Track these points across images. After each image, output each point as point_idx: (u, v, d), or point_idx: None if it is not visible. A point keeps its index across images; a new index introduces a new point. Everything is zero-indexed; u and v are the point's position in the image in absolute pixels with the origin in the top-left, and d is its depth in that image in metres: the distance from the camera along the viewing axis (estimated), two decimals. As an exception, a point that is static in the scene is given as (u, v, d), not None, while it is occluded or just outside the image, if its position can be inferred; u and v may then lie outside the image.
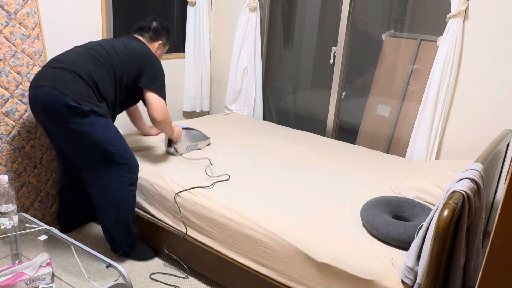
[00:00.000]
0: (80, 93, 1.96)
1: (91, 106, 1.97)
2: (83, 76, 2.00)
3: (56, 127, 2.00)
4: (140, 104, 2.54)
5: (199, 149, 2.64)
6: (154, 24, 2.35)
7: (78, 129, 1.95)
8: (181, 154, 2.52)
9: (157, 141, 2.72)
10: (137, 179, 2.19)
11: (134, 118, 2.73)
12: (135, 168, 2.15)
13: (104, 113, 2.04)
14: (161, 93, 2.18)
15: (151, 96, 2.15)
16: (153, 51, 2.34)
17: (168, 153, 2.54)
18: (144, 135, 2.79)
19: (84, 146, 2.00)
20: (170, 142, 2.49)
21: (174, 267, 2.29)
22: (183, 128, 2.57)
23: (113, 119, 2.26)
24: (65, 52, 2.12)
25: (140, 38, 2.33)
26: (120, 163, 2.07)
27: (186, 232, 2.13)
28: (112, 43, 2.18)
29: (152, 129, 2.79)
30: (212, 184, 2.17)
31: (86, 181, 2.16)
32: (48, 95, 1.93)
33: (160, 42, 2.37)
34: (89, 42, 2.19)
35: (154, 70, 2.19)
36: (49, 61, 2.08)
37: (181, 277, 2.20)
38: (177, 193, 2.15)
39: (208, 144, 2.73)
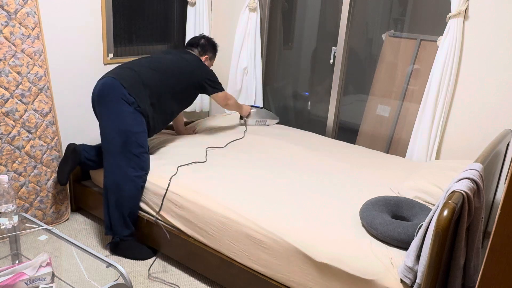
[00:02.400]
0: (134, 86, 2.33)
1: (137, 100, 2.31)
2: (142, 78, 2.39)
3: (103, 109, 2.32)
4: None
5: (267, 125, 3.24)
6: (202, 41, 2.77)
7: (116, 113, 2.28)
8: (249, 125, 3.17)
9: (157, 143, 2.72)
10: (145, 174, 2.31)
11: (176, 119, 3.00)
12: (146, 166, 2.33)
13: (144, 110, 2.34)
14: (221, 89, 2.73)
15: (216, 96, 2.73)
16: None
17: (241, 124, 3.16)
18: (178, 134, 3.02)
19: (113, 128, 2.28)
20: (241, 116, 3.13)
21: (174, 267, 2.29)
22: (256, 107, 3.21)
23: (155, 125, 2.50)
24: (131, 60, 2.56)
25: (192, 52, 2.74)
26: (134, 154, 2.27)
27: (159, 210, 2.22)
28: (168, 56, 2.61)
29: (186, 130, 3.07)
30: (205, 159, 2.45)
31: (103, 164, 2.35)
32: (108, 82, 2.32)
33: (206, 56, 2.78)
34: (151, 55, 2.65)
35: (212, 78, 2.68)
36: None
37: (175, 274, 2.20)
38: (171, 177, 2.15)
39: (277, 123, 3.33)
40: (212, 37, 2.93)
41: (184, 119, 3.27)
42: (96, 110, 2.37)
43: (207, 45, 2.77)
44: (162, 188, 2.23)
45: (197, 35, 2.79)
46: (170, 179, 2.24)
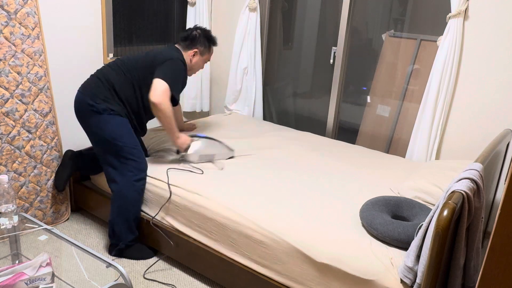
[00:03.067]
0: (97, 94, 2.23)
1: (107, 105, 2.22)
2: (102, 80, 2.26)
3: (83, 125, 2.30)
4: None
5: (218, 159, 2.48)
6: (194, 32, 2.45)
7: (95, 125, 2.22)
8: (193, 162, 2.42)
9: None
10: (144, 177, 2.28)
11: (176, 116, 2.76)
12: (142, 166, 2.28)
13: (120, 111, 2.25)
14: (168, 81, 2.21)
15: (155, 81, 2.21)
16: (188, 58, 2.44)
17: (178, 160, 2.43)
18: (180, 130, 2.69)
19: (99, 140, 2.25)
20: (178, 151, 2.42)
21: (174, 267, 2.29)
22: (202, 137, 2.48)
23: (141, 121, 2.41)
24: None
25: (178, 46, 2.45)
26: (128, 158, 2.24)
27: (170, 195, 2.17)
28: (138, 53, 2.39)
29: (185, 125, 2.93)
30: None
31: (105, 176, 2.33)
32: (76, 98, 2.29)
33: (195, 50, 2.44)
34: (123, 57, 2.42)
35: (170, 67, 2.29)
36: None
37: (175, 274, 2.20)
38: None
39: (231, 157, 2.54)
40: (201, 27, 2.58)
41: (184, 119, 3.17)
42: (82, 127, 2.35)
43: (199, 37, 2.45)
44: (165, 190, 2.23)
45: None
46: (169, 185, 2.24)
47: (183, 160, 2.43)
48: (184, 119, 3.77)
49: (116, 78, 2.27)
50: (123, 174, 2.23)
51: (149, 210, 2.31)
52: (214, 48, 2.60)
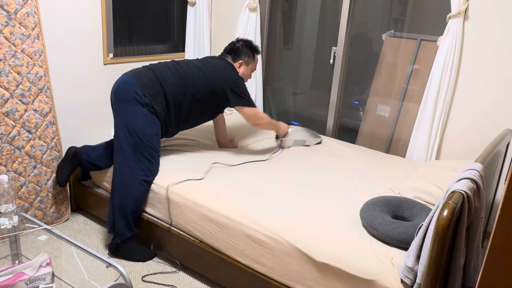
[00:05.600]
0: (148, 87, 2.27)
1: (150, 102, 2.26)
2: (157, 77, 2.31)
3: (118, 107, 2.29)
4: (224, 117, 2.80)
5: (307, 145, 2.83)
6: (237, 45, 2.56)
7: (131, 113, 2.24)
8: (287, 147, 2.76)
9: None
10: (152, 180, 2.29)
11: (217, 131, 2.82)
12: (155, 170, 2.30)
13: (158, 112, 2.29)
14: (249, 103, 2.45)
15: (242, 110, 2.46)
16: (236, 69, 2.52)
17: (278, 146, 2.78)
18: (220, 147, 2.82)
19: (126, 129, 2.25)
20: (277, 136, 2.77)
21: (173, 267, 2.29)
22: (295, 125, 2.87)
23: (174, 130, 2.46)
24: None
25: (226, 59, 2.54)
26: (145, 158, 2.26)
27: (171, 224, 2.18)
28: (195, 62, 2.46)
29: (229, 143, 2.86)
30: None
31: (114, 163, 2.32)
32: (124, 80, 2.29)
33: (240, 61, 2.53)
34: (178, 60, 2.49)
35: (237, 87, 2.44)
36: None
37: (172, 272, 2.21)
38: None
39: (319, 143, 2.88)
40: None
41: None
42: (113, 108, 2.34)
43: (242, 48, 2.54)
44: (164, 192, 2.23)
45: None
46: (167, 187, 2.24)
47: (280, 145, 2.77)
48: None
49: (171, 81, 2.32)
50: (134, 170, 2.23)
51: (152, 210, 2.32)
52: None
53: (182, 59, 2.53)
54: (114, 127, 2.32)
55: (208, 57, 2.56)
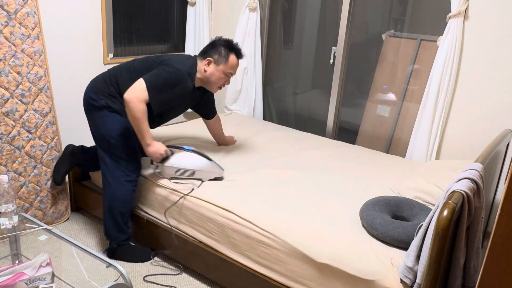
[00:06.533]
0: (102, 89, 2.23)
1: (107, 101, 2.21)
2: (111, 77, 2.25)
3: (87, 118, 2.31)
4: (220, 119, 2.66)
5: (199, 179, 2.19)
6: (215, 42, 2.30)
7: (93, 120, 2.26)
8: (168, 177, 2.21)
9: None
10: (136, 178, 2.25)
11: (212, 132, 2.68)
12: (135, 167, 2.25)
13: (119, 110, 2.21)
14: (148, 83, 2.06)
15: (137, 80, 2.08)
16: (202, 68, 2.25)
17: (154, 172, 2.24)
18: (219, 144, 2.72)
19: (96, 135, 2.26)
20: (152, 161, 2.21)
21: (174, 267, 2.29)
22: (189, 150, 2.20)
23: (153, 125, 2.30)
24: None
25: (197, 58, 2.30)
26: (121, 158, 2.22)
27: (171, 227, 2.16)
28: (149, 57, 2.30)
29: (227, 138, 2.71)
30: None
31: (101, 172, 2.31)
32: (85, 90, 2.30)
33: (209, 59, 2.24)
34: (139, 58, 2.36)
35: (159, 71, 2.13)
36: None
37: (174, 275, 2.20)
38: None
39: (218, 179, 2.22)
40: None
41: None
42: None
43: (217, 46, 2.27)
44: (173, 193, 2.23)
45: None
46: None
47: (157, 172, 2.21)
48: (185, 119, 3.77)
49: (123, 77, 2.22)
50: (114, 173, 2.22)
51: (152, 211, 2.32)
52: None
53: (146, 55, 2.35)
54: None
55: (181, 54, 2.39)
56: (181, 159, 2.17)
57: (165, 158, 2.16)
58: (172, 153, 2.18)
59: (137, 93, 2.04)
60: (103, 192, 2.29)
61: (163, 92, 2.11)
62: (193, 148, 2.25)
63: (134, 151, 2.24)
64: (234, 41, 2.33)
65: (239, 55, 2.32)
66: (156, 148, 2.13)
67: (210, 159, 2.21)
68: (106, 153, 2.22)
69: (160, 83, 2.09)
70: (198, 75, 2.26)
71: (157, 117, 2.26)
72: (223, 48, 2.26)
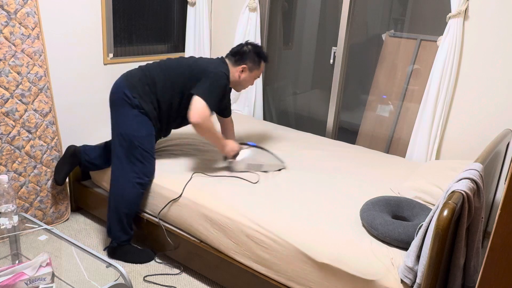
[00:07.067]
0: (137, 87, 2.24)
1: (140, 101, 2.23)
2: (147, 76, 2.27)
3: (111, 110, 2.30)
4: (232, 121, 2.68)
5: (265, 171, 2.39)
6: (244, 48, 2.38)
7: (121, 116, 2.24)
8: (238, 171, 2.36)
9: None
10: (148, 183, 2.27)
11: (225, 128, 2.69)
12: (149, 172, 2.28)
13: (149, 112, 2.26)
14: (206, 99, 2.16)
15: (194, 99, 2.16)
16: (236, 74, 2.36)
17: (228, 168, 2.39)
18: None
19: (118, 132, 2.25)
20: (225, 157, 2.40)
21: (174, 267, 2.29)
22: (252, 146, 2.43)
23: (168, 127, 2.40)
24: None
25: (227, 60, 2.38)
26: (138, 160, 2.24)
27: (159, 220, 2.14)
28: (187, 58, 2.36)
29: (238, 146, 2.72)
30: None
31: (111, 167, 2.31)
32: (117, 82, 2.30)
33: (244, 65, 2.35)
34: (172, 58, 2.40)
35: (209, 82, 2.22)
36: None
37: (174, 275, 2.21)
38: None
39: (281, 169, 2.43)
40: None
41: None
42: (110, 111, 2.34)
43: (249, 53, 2.36)
44: (174, 192, 2.23)
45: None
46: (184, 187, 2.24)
47: (230, 167, 2.37)
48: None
49: (160, 79, 2.26)
50: (127, 173, 2.23)
51: (152, 211, 2.32)
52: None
53: (179, 56, 2.44)
54: (111, 129, 2.32)
55: (209, 57, 2.49)
56: (250, 155, 2.39)
57: (236, 154, 2.35)
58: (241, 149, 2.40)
59: (201, 113, 2.14)
60: (110, 190, 2.28)
61: (217, 97, 2.26)
62: (255, 144, 2.48)
63: (152, 156, 2.29)
64: (260, 45, 2.46)
65: (266, 60, 2.46)
66: (230, 147, 2.33)
67: (272, 153, 2.45)
68: (125, 152, 2.23)
69: (214, 93, 2.23)
70: (231, 78, 2.36)
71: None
72: (255, 56, 2.38)
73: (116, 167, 2.26)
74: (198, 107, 2.13)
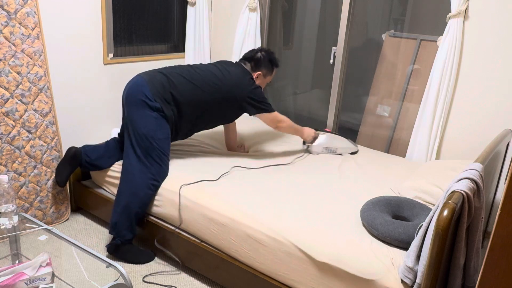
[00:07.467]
0: (159, 92, 2.28)
1: (161, 105, 2.27)
2: (170, 82, 2.31)
3: (128, 110, 2.30)
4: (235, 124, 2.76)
5: (340, 153, 2.72)
6: (258, 54, 2.53)
7: (141, 117, 2.25)
8: (316, 154, 2.70)
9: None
10: (159, 184, 2.27)
11: (227, 135, 2.78)
12: (163, 173, 2.29)
13: (169, 117, 2.30)
14: (266, 109, 2.45)
15: (261, 116, 2.47)
16: (254, 79, 2.51)
17: (306, 151, 2.72)
18: (228, 150, 2.79)
19: (138, 132, 2.25)
20: (304, 142, 2.73)
21: (174, 267, 2.29)
22: (327, 132, 2.76)
23: (178, 133, 2.42)
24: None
25: (244, 66, 2.52)
26: (155, 161, 2.25)
27: (180, 224, 2.15)
28: (210, 67, 2.45)
29: (239, 148, 2.82)
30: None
31: (122, 166, 2.32)
32: (136, 82, 2.30)
33: (259, 72, 2.52)
34: (193, 65, 2.49)
35: (254, 97, 2.41)
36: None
37: (174, 274, 2.21)
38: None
39: (354, 152, 2.76)
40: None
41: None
42: (124, 110, 2.35)
43: (263, 60, 2.53)
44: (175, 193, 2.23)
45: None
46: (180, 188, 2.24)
47: (308, 150, 2.72)
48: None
49: (184, 88, 2.31)
50: (144, 172, 2.23)
51: (159, 210, 2.32)
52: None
53: (198, 63, 2.51)
54: (125, 129, 2.32)
55: (225, 62, 2.53)
56: (326, 139, 2.71)
57: (314, 139, 2.69)
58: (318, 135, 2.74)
59: (275, 122, 2.49)
60: (122, 186, 2.26)
61: (265, 98, 2.48)
62: (329, 130, 2.81)
63: (168, 158, 2.31)
64: (272, 51, 2.61)
65: (278, 66, 2.63)
66: (308, 133, 2.66)
67: (346, 138, 2.78)
68: (142, 152, 2.24)
69: (264, 100, 2.45)
70: None
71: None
72: (269, 63, 2.55)
73: (131, 166, 2.25)
74: (269, 119, 2.47)
